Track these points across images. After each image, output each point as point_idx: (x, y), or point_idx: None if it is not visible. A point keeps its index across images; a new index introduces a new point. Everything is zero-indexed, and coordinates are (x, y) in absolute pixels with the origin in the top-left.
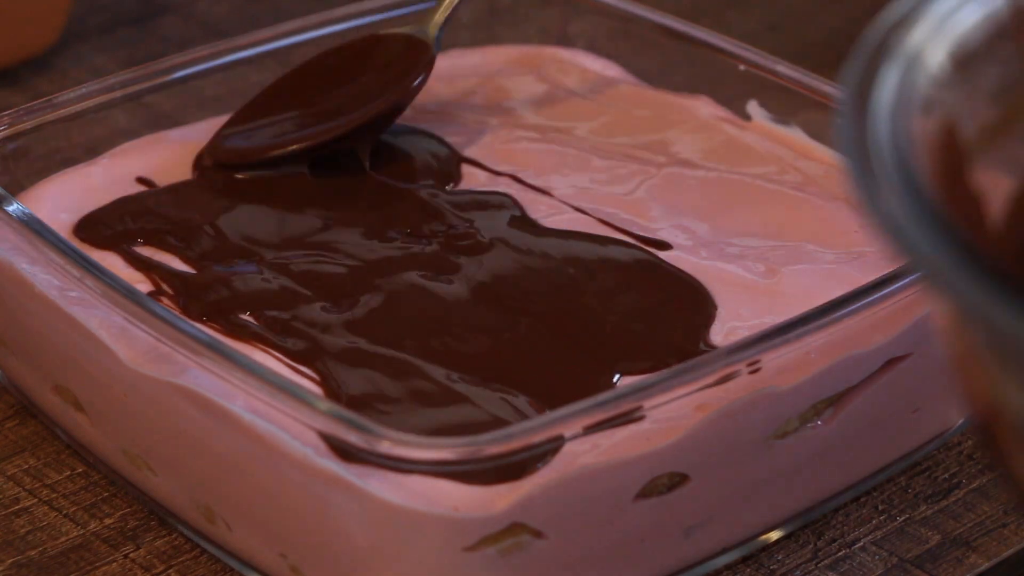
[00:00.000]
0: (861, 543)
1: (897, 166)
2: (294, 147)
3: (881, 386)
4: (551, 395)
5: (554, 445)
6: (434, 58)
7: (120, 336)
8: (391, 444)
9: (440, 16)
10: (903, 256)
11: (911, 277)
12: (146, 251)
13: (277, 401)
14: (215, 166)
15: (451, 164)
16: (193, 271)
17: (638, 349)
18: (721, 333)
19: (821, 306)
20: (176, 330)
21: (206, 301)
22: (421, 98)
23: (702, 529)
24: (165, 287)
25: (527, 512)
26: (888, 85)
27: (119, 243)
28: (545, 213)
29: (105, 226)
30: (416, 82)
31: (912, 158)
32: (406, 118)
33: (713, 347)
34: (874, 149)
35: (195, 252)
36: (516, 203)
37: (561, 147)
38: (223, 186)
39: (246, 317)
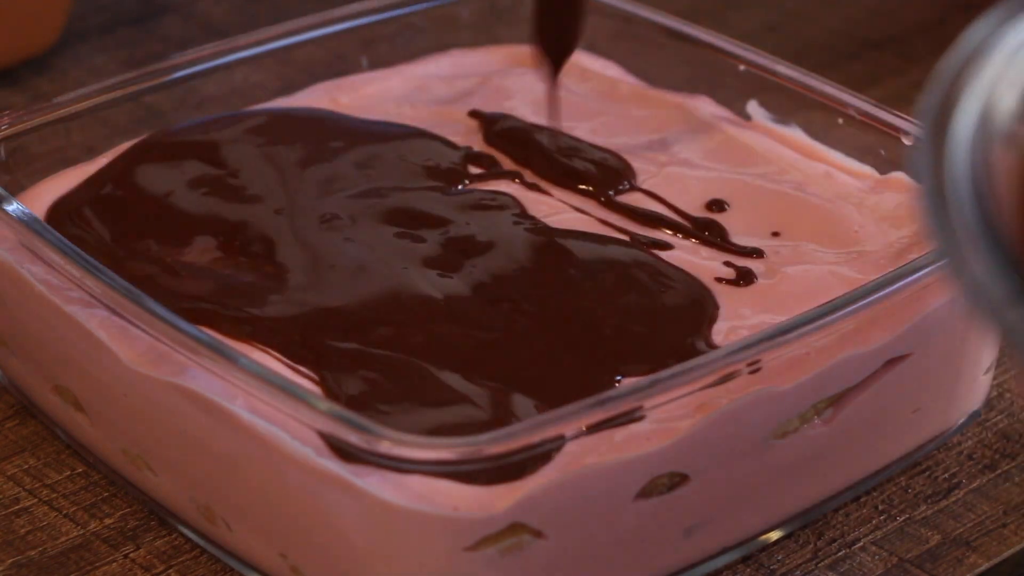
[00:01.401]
0: (861, 543)
1: (977, 213)
2: None
3: (881, 386)
4: (551, 395)
5: (554, 445)
6: None
7: (120, 336)
8: (391, 444)
9: None
10: (986, 318)
11: (911, 277)
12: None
13: (277, 401)
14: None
15: (462, 166)
16: (189, 270)
17: (639, 349)
18: (721, 333)
19: (821, 306)
20: (176, 330)
21: (200, 299)
22: (421, 99)
23: (702, 529)
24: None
25: (527, 512)
26: (966, 122)
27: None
28: (546, 213)
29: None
30: None
31: (993, 201)
32: (406, 118)
33: (713, 347)
34: (953, 197)
35: (190, 249)
36: (517, 203)
37: None
38: (211, 182)
39: (242, 315)
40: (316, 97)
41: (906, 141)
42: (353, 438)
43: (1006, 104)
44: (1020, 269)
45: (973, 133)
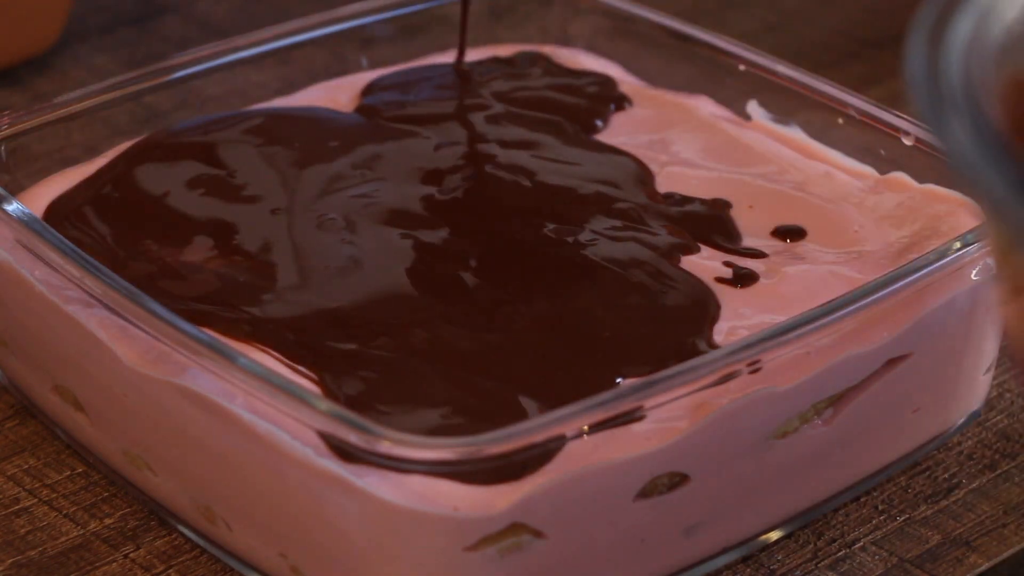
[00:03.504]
0: (861, 543)
1: (966, 99)
2: None
3: (881, 386)
4: (552, 395)
5: (554, 445)
6: None
7: (120, 336)
8: (391, 444)
9: None
10: (968, 182)
11: (911, 277)
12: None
13: (277, 401)
14: None
15: (467, 164)
16: (188, 269)
17: (640, 349)
18: (721, 333)
19: (821, 306)
20: (176, 330)
21: (199, 299)
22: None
23: (702, 529)
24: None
25: (527, 512)
26: (961, 30)
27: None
28: None
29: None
30: None
31: (981, 93)
32: (403, 117)
33: (714, 347)
34: (944, 82)
35: (189, 249)
36: (517, 203)
37: None
38: (211, 182)
39: (241, 315)
40: (316, 97)
41: (906, 141)
42: (353, 438)
43: (1003, 22)
44: (1000, 139)
45: (968, 42)
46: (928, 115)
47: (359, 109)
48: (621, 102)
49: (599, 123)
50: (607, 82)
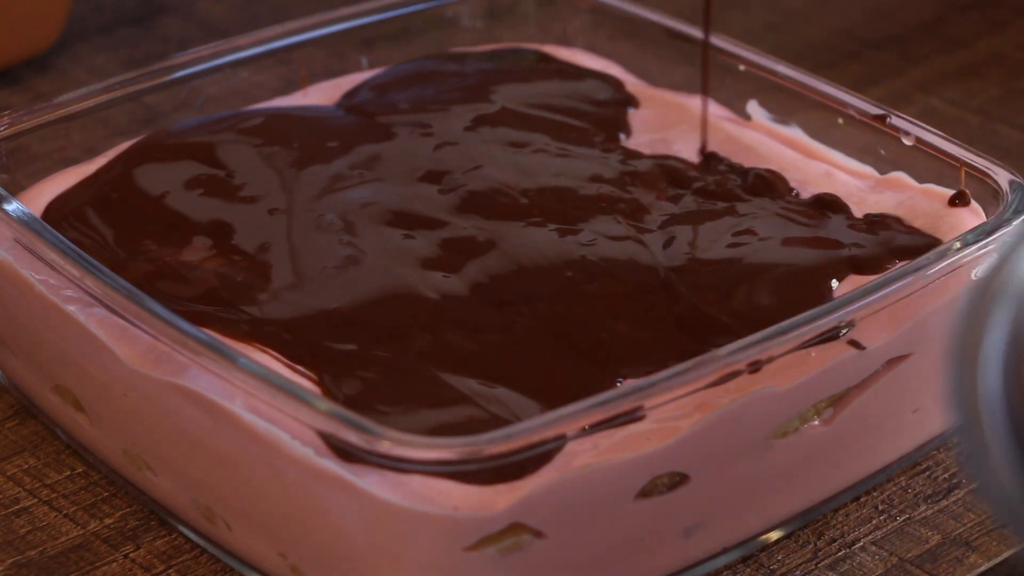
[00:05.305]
0: (861, 543)
1: (1010, 427)
2: None
3: (881, 386)
4: (552, 395)
5: (554, 445)
6: None
7: (120, 336)
8: (391, 444)
9: None
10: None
11: (911, 277)
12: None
13: (277, 401)
14: None
15: (467, 164)
16: (188, 269)
17: (640, 349)
18: None
19: (821, 306)
20: (176, 330)
21: (198, 300)
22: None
23: (702, 529)
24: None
25: (527, 512)
26: (998, 334)
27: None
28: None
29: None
30: None
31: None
32: (405, 116)
33: (715, 347)
34: (985, 408)
35: (189, 249)
36: (517, 203)
37: None
38: (210, 182)
39: (241, 315)
40: (316, 97)
41: (906, 141)
42: (353, 438)
43: None
44: None
45: (1005, 347)
46: (970, 462)
47: (355, 108)
48: (628, 104)
49: (622, 136)
50: (616, 85)
